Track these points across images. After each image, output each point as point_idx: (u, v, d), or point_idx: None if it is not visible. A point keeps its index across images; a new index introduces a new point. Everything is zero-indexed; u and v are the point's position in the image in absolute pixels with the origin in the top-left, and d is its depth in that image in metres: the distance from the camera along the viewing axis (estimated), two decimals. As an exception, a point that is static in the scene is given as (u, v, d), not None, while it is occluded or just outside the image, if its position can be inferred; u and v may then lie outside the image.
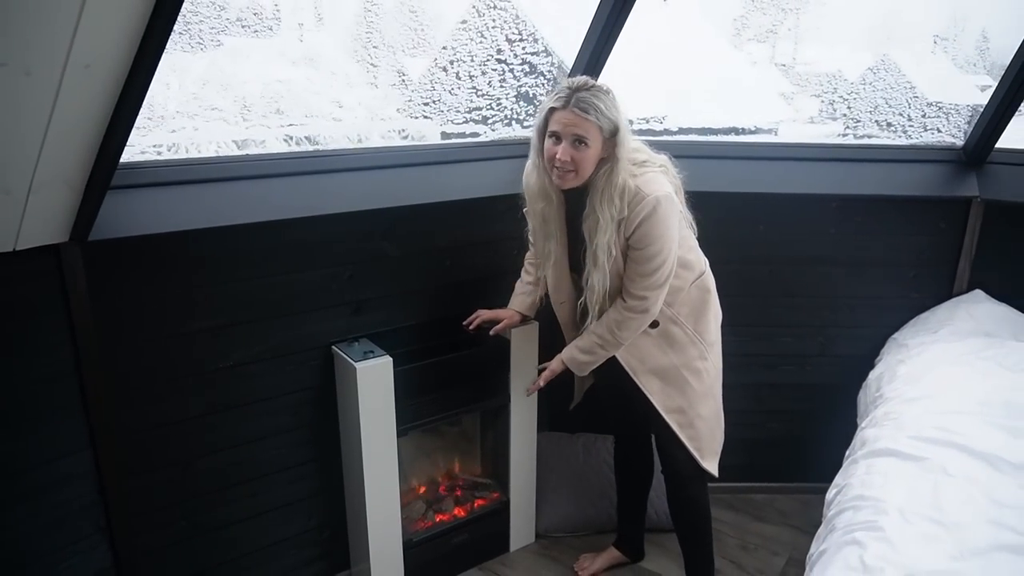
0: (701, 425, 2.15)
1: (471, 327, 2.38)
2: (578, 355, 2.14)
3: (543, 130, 1.97)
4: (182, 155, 2.71)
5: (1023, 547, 1.51)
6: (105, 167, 1.57)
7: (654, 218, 1.94)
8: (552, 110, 1.93)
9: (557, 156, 1.92)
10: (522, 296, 2.40)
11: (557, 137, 1.93)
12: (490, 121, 2.92)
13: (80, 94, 1.38)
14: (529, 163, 2.10)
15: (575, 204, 2.05)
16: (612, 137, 1.92)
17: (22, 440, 1.79)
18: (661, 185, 1.98)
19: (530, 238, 2.29)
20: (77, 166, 1.57)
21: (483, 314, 2.38)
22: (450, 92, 2.94)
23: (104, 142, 1.52)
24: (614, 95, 1.94)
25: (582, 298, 2.11)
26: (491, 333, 2.37)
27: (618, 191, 1.94)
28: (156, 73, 1.44)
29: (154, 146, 2.62)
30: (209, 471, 2.14)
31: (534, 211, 2.12)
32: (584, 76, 1.99)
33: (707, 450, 2.17)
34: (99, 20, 1.24)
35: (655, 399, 2.13)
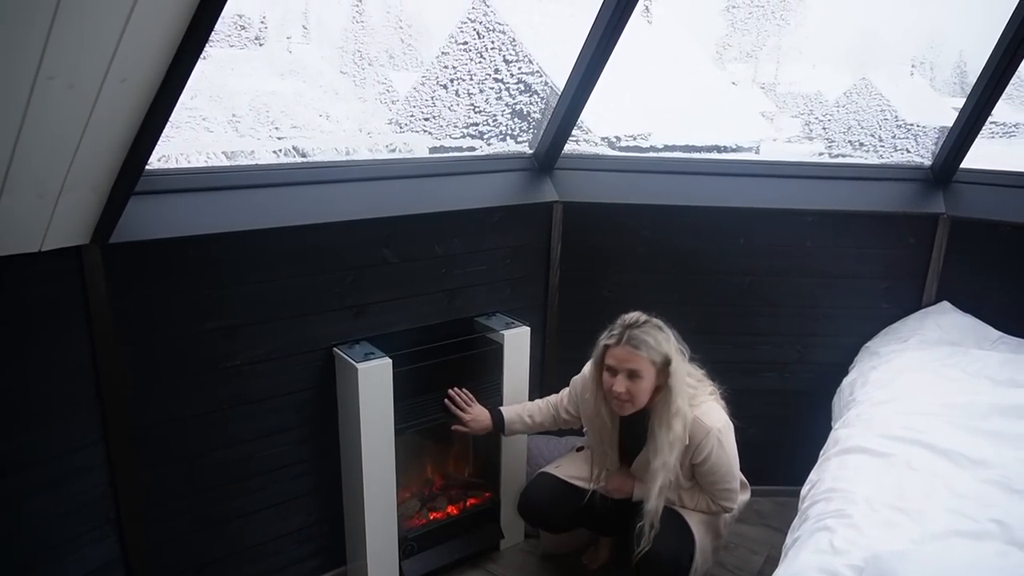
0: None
1: (451, 398, 2.50)
2: (654, 501, 2.24)
3: (600, 364, 2.18)
4: (172, 165, 2.81)
5: (978, 532, 1.65)
6: (132, 173, 1.67)
7: (720, 451, 2.16)
8: (607, 347, 2.15)
9: (614, 388, 2.13)
10: (518, 415, 2.52)
11: (613, 371, 2.13)
12: (486, 136, 3.06)
13: (114, 105, 1.49)
14: (584, 382, 2.35)
15: (631, 425, 2.27)
16: (665, 367, 2.12)
17: (39, 432, 1.88)
18: (719, 414, 2.20)
19: (567, 403, 2.48)
20: (104, 172, 1.68)
21: (462, 407, 2.48)
22: (449, 108, 3.08)
23: (132, 150, 1.63)
24: (665, 329, 2.17)
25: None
26: (451, 428, 2.50)
27: (676, 416, 2.12)
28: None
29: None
30: (215, 466, 2.23)
31: (592, 427, 2.34)
32: (636, 312, 2.20)
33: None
34: (139, 38, 1.36)
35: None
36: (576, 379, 2.46)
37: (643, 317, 2.17)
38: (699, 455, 2.17)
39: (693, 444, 2.16)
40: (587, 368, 2.34)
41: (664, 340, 2.13)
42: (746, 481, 2.44)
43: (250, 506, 2.33)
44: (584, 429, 2.46)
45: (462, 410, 2.48)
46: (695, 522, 2.26)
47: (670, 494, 2.29)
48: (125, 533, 2.09)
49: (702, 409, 2.18)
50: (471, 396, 2.52)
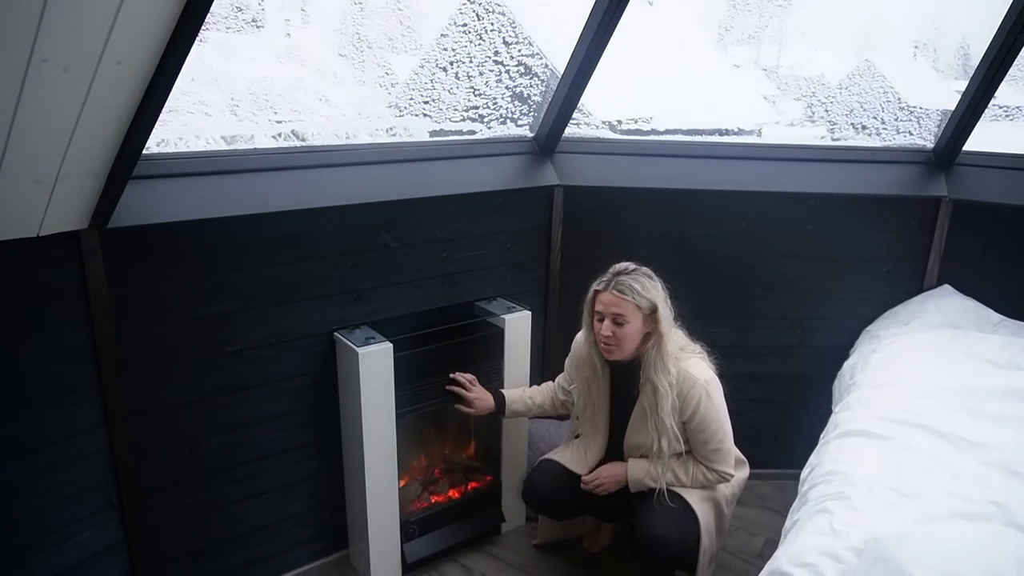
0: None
1: (455, 381, 2.49)
2: (647, 482, 2.27)
3: (591, 309, 2.22)
4: (170, 149, 2.78)
5: (977, 515, 1.65)
6: (129, 157, 1.66)
7: (708, 403, 2.17)
8: (596, 292, 2.20)
9: (601, 332, 2.18)
10: (518, 396, 2.55)
11: (601, 316, 2.18)
12: (486, 119, 3.04)
13: (110, 89, 1.47)
14: (581, 335, 2.37)
15: (623, 378, 2.29)
16: (652, 314, 2.16)
17: (40, 418, 1.88)
18: (705, 369, 2.22)
19: (562, 382, 2.52)
20: (101, 156, 1.67)
21: (466, 388, 2.48)
22: (449, 91, 3.06)
23: (129, 134, 1.62)
24: (655, 278, 2.22)
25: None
26: (455, 405, 2.51)
27: (670, 358, 2.17)
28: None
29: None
30: (215, 451, 2.24)
31: (580, 376, 2.37)
32: (627, 262, 2.24)
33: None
34: (133, 20, 1.34)
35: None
36: (568, 359, 2.50)
37: (632, 266, 2.22)
38: (688, 408, 2.17)
39: (680, 397, 2.18)
40: (580, 336, 2.39)
41: (651, 287, 2.18)
42: (743, 458, 2.44)
43: (251, 490, 2.34)
44: (573, 386, 2.45)
45: (466, 390, 2.49)
46: (696, 500, 2.25)
47: (666, 472, 2.27)
48: (127, 517, 2.10)
49: (689, 363, 2.21)
50: (474, 378, 2.52)
